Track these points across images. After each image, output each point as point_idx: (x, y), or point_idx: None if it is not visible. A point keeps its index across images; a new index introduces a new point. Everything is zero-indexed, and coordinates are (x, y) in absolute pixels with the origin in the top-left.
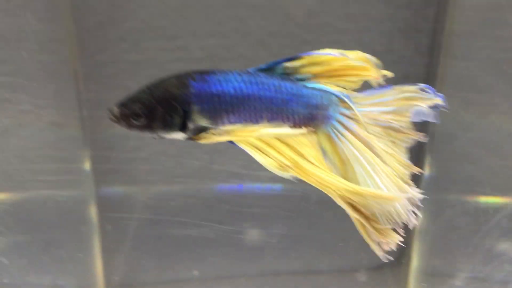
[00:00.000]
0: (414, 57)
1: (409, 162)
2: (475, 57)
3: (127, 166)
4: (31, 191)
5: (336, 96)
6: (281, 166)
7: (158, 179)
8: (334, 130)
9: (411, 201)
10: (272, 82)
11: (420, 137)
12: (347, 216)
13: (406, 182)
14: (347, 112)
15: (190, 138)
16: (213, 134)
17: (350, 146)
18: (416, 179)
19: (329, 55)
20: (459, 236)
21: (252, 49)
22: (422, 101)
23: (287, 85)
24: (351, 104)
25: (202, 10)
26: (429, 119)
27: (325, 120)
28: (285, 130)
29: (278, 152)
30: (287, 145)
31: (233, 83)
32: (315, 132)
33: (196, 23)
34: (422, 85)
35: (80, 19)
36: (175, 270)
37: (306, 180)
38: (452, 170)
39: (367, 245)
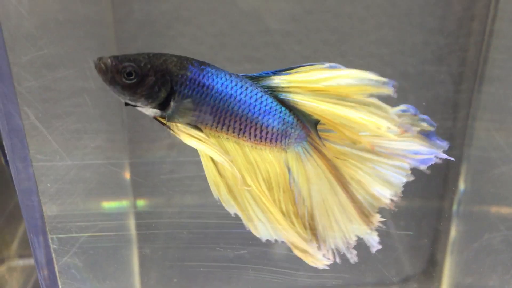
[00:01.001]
0: (446, 79)
1: (376, 193)
2: (509, 81)
3: (164, 188)
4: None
5: (303, 123)
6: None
7: (193, 200)
8: (304, 150)
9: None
10: (255, 91)
11: (406, 161)
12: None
13: (363, 212)
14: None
15: (157, 119)
16: (182, 130)
17: (316, 167)
18: (450, 194)
19: (317, 71)
20: (494, 252)
21: None
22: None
23: (268, 98)
24: (314, 134)
25: (239, 36)
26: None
27: (298, 139)
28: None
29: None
30: (248, 160)
31: (222, 80)
32: (284, 150)
33: (233, 49)
34: (404, 106)
35: (123, 47)
36: None
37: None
38: (486, 186)
39: (395, 261)
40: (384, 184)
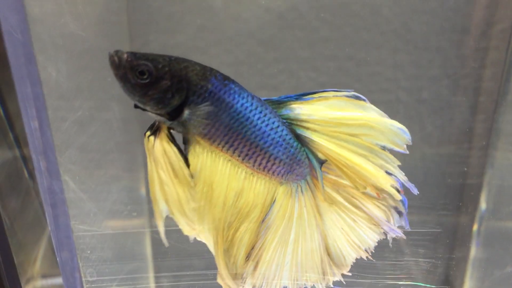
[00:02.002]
0: (462, 103)
1: (350, 245)
2: None
3: None
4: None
5: (312, 163)
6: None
7: None
8: (300, 187)
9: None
10: (273, 120)
11: (378, 225)
12: (394, 262)
13: (326, 265)
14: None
15: (153, 129)
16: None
17: (303, 208)
18: (472, 211)
19: (342, 99)
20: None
21: None
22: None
23: (284, 130)
24: (319, 176)
25: (254, 65)
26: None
27: (299, 176)
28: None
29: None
30: (233, 187)
31: (243, 100)
32: (281, 184)
33: (249, 77)
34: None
35: None
36: None
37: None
38: (507, 216)
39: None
40: (359, 238)
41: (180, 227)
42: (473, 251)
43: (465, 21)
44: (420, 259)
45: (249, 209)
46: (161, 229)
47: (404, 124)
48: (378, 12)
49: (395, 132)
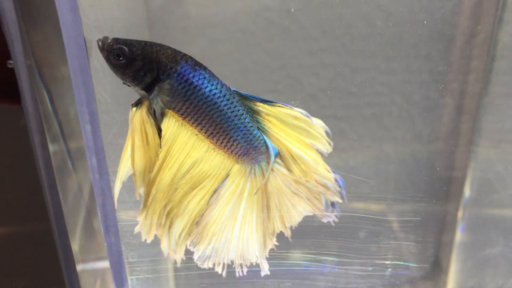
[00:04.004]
0: (448, 104)
1: (286, 227)
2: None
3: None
4: None
5: (268, 149)
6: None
7: None
8: (253, 170)
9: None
10: (238, 108)
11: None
12: (386, 246)
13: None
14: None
15: (137, 103)
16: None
17: (253, 188)
18: (457, 200)
19: (295, 112)
20: (494, 264)
21: (305, 103)
22: (326, 192)
23: (247, 118)
24: (270, 162)
25: (260, 71)
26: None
27: (253, 161)
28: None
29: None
30: (194, 156)
31: (212, 87)
32: (237, 162)
33: (256, 83)
34: (337, 177)
35: None
36: None
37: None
38: (488, 206)
39: (402, 266)
40: (291, 218)
41: (136, 187)
42: (458, 236)
43: (451, 32)
44: (410, 244)
45: (203, 177)
46: (118, 189)
47: (397, 124)
48: (372, 23)
49: (323, 142)
